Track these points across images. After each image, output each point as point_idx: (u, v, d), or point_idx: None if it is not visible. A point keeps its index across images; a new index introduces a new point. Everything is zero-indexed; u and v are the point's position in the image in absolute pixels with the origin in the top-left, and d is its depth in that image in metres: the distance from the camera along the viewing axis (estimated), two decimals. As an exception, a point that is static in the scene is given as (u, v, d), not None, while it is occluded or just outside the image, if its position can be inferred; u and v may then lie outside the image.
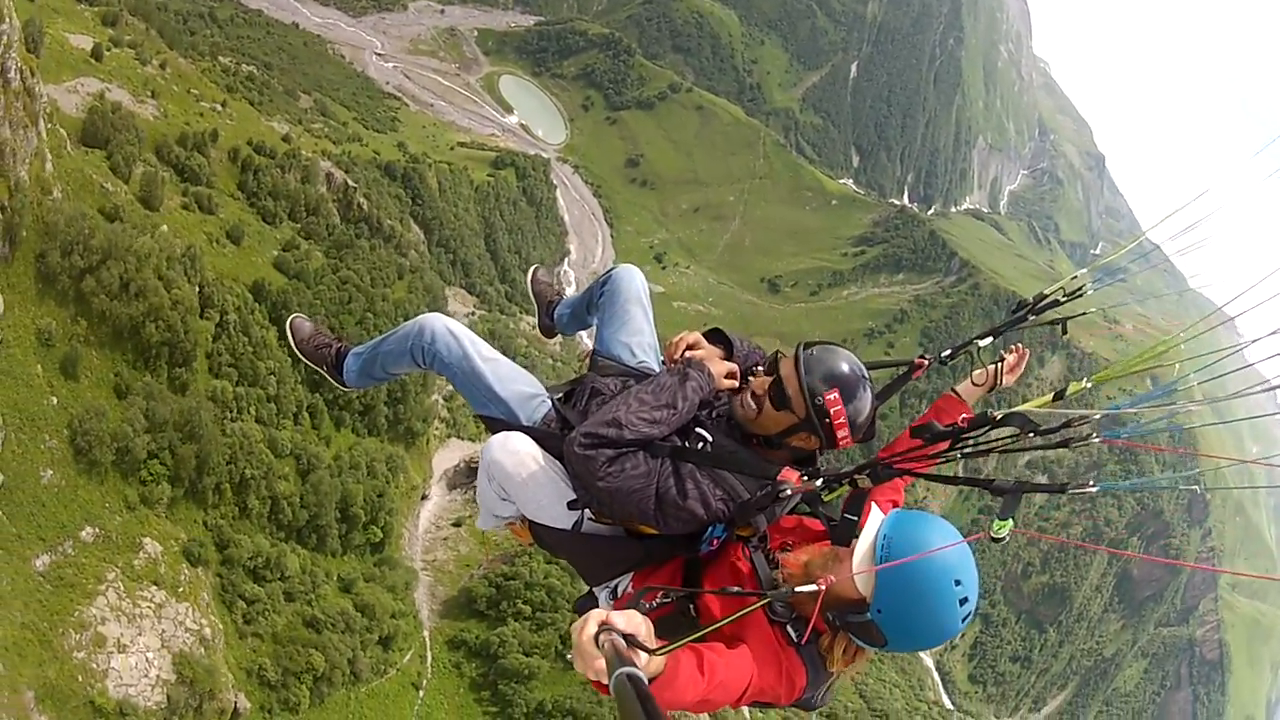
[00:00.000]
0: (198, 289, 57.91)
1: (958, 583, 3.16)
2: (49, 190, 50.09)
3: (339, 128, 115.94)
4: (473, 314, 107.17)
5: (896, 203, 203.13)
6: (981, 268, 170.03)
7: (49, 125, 53.51)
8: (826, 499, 3.92)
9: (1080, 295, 4.60)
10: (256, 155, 78.32)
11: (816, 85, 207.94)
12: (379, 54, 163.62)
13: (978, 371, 4.66)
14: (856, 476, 3.72)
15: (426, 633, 67.73)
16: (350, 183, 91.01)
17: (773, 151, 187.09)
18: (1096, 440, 3.09)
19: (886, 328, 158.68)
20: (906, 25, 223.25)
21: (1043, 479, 3.57)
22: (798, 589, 3.20)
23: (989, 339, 4.71)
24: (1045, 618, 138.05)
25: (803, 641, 3.43)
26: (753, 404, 4.04)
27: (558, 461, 4.11)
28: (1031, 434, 3.32)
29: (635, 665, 2.29)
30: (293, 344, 5.29)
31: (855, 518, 3.58)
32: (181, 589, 50.84)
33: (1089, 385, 3.97)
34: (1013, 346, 4.72)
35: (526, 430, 4.26)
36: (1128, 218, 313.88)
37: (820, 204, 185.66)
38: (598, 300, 4.98)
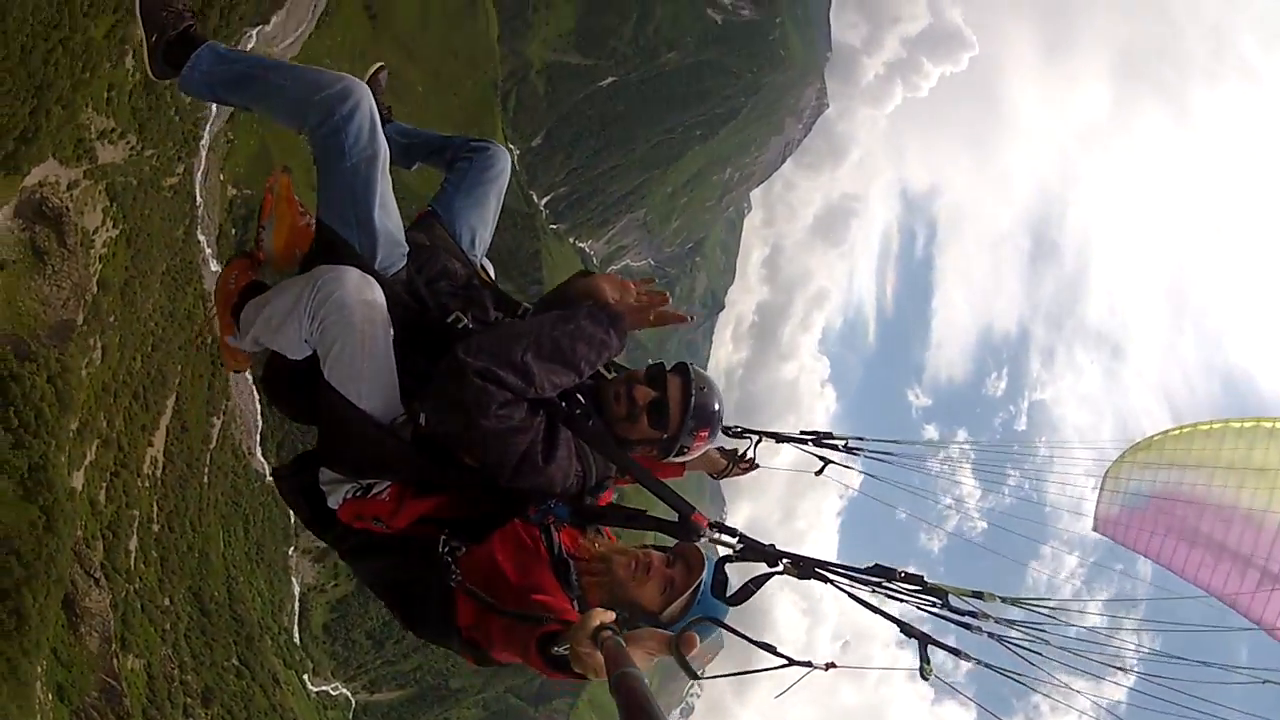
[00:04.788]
0: None
1: None
2: None
3: None
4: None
5: (536, 199, 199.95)
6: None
7: None
8: (730, 561, 3.62)
9: (858, 453, 5.30)
10: None
11: (568, 66, 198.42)
12: None
13: (729, 448, 5.04)
14: (785, 562, 3.44)
15: None
16: None
17: (483, 86, 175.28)
18: (985, 634, 3.15)
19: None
20: (679, 93, 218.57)
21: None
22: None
23: (762, 439, 5.21)
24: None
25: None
26: (627, 406, 3.84)
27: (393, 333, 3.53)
28: (943, 605, 3.25)
29: (635, 665, 2.29)
30: None
31: (756, 589, 3.52)
32: None
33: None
34: (753, 458, 5.12)
35: (380, 280, 3.57)
36: (703, 362, 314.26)
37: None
38: (459, 161, 4.36)
